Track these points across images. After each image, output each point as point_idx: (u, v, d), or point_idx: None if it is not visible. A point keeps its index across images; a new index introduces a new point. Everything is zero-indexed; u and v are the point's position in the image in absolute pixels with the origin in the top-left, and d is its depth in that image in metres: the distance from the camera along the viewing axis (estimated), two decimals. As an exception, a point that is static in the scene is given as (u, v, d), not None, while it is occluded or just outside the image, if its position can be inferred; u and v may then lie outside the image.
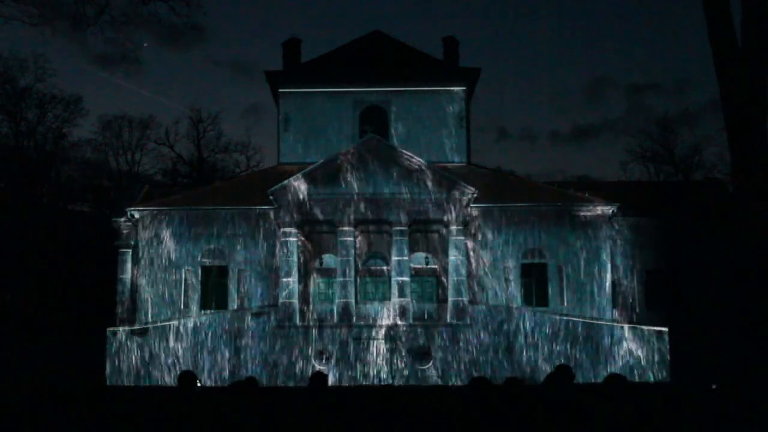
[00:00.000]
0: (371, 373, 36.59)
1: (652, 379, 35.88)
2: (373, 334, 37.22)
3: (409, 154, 39.65)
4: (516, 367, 36.31)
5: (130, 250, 43.01)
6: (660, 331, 37.18)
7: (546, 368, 34.68)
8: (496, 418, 9.83)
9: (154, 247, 40.84)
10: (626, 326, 38.00)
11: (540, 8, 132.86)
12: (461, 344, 36.99)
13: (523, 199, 41.01)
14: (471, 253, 39.92)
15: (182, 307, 40.53)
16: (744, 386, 14.59)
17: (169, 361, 36.66)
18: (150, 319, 39.47)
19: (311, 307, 39.92)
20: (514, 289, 40.49)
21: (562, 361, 35.06)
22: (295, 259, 38.65)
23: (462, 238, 38.88)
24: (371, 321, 37.97)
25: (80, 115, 63.16)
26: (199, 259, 41.11)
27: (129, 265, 43.06)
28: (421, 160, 39.41)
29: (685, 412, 12.15)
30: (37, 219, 57.05)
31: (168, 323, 37.86)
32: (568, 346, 36.83)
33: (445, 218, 38.84)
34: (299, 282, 38.84)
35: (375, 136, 40.63)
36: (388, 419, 10.24)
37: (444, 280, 39.59)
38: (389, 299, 38.59)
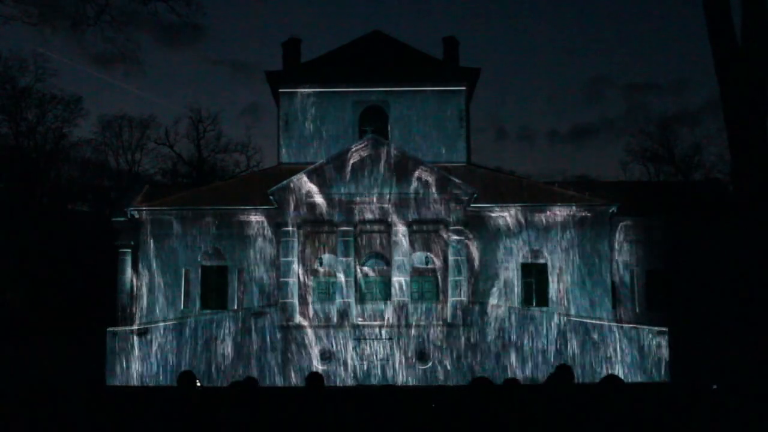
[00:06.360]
0: (371, 373, 36.61)
1: (652, 379, 35.87)
2: (373, 334, 37.25)
3: (409, 154, 39.67)
4: (516, 368, 36.32)
5: (130, 250, 43.08)
6: (660, 331, 37.19)
7: (546, 369, 34.67)
8: (496, 418, 9.82)
9: (154, 247, 40.83)
10: (626, 326, 38.00)
11: (540, 8, 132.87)
12: (461, 344, 37.01)
13: (523, 199, 41.02)
14: (471, 253, 39.91)
15: (182, 306, 40.56)
16: (744, 386, 14.58)
17: (169, 360, 36.68)
18: (150, 319, 39.47)
19: (311, 307, 39.91)
20: (514, 289, 40.49)
21: (563, 361, 35.07)
22: (295, 259, 38.67)
23: (462, 238, 38.91)
24: (371, 321, 37.98)
25: (80, 115, 63.42)
26: (199, 259, 41.13)
27: (129, 265, 43.11)
28: (421, 160, 39.44)
29: (684, 412, 12.15)
30: (37, 219, 57.06)
31: (168, 323, 37.88)
32: (568, 347, 36.84)
33: (445, 218, 38.87)
34: (299, 282, 38.85)
35: (375, 136, 40.63)
36: (388, 419, 10.23)
37: (444, 280, 39.59)
38: (389, 299, 38.60)
